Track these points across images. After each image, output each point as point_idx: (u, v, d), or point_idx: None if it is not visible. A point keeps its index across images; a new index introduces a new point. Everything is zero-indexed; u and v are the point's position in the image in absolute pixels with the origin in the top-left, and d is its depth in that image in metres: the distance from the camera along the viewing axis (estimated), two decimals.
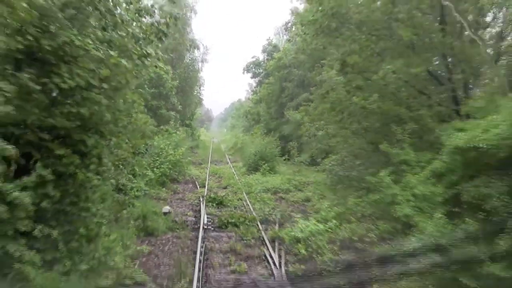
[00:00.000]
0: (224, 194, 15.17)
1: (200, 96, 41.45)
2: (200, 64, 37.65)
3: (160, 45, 9.51)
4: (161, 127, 19.63)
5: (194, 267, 7.57)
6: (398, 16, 11.47)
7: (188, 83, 32.96)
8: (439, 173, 8.31)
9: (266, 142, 24.53)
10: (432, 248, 7.31)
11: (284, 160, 25.38)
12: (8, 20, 5.22)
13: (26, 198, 5.33)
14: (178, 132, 24.38)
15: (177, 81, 22.75)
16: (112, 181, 8.43)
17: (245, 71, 44.19)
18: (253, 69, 43.29)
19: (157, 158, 17.10)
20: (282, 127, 31.18)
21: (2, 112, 4.33)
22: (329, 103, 13.26)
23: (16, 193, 5.24)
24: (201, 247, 8.89)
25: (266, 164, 21.73)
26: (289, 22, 37.75)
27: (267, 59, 40.16)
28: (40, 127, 6.12)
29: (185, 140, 25.21)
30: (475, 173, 7.61)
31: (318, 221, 10.24)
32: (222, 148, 41.55)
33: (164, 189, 15.69)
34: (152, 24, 8.54)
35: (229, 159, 30.61)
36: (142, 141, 11.01)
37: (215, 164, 26.89)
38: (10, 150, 4.62)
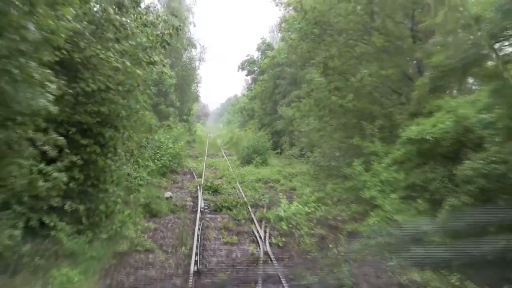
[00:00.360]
0: (219, 183, 16.73)
1: (197, 93, 42.92)
2: (197, 62, 39.17)
3: (163, 51, 11.07)
4: (163, 122, 21.10)
5: (193, 239, 9.12)
6: (372, 24, 13.03)
7: (185, 81, 34.41)
8: (399, 161, 9.91)
9: (258, 136, 26.07)
10: (388, 223, 8.96)
11: (276, 153, 26.98)
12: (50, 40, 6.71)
13: (63, 178, 6.81)
14: (178, 127, 25.90)
15: (175, 79, 24.18)
16: (125, 167, 9.94)
17: (240, 69, 45.62)
18: (248, 67, 44.65)
19: (158, 151, 18.57)
20: (275, 122, 32.69)
21: (53, 111, 5.78)
22: (313, 100, 14.84)
23: (55, 174, 6.70)
24: (199, 225, 10.45)
25: (258, 157, 23.32)
26: (282, 22, 39.05)
27: (261, 57, 41.54)
28: (68, 123, 7.63)
29: (183, 135, 26.69)
30: (426, 161, 9.24)
31: (300, 204, 11.85)
32: (218, 142, 43.03)
33: (164, 179, 17.22)
34: (157, 34, 10.02)
35: (224, 153, 32.15)
36: (148, 134, 12.53)
37: (211, 158, 28.42)
38: (61, 140, 6.10)
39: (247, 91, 48.70)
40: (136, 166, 14.92)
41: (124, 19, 8.67)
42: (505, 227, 6.83)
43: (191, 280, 6.81)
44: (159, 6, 27.18)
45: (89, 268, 7.12)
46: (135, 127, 9.96)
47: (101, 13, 8.16)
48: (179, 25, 10.80)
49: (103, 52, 7.53)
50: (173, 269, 7.65)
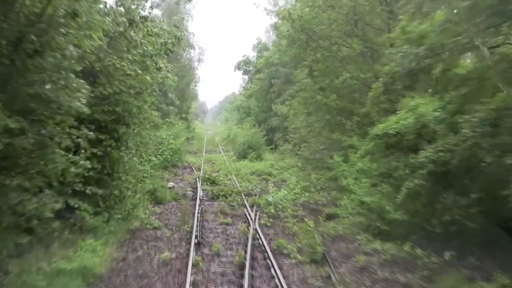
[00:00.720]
0: (216, 175, 18.31)
1: (196, 92, 44.45)
2: (196, 63, 40.74)
3: (166, 57, 12.56)
4: (166, 119, 22.59)
5: (194, 220, 10.66)
6: (354, 31, 14.58)
7: (184, 80, 35.90)
8: (370, 153, 11.47)
9: (253, 133, 27.64)
10: (359, 205, 10.55)
11: (271, 149, 28.55)
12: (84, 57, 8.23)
13: (87, 165, 8.32)
14: (179, 124, 27.45)
15: (176, 82, 25.70)
16: (135, 159, 11.50)
17: (236, 69, 47.07)
18: (244, 67, 46.08)
19: (160, 147, 20.11)
20: (270, 119, 34.22)
21: (86, 111, 7.30)
22: (301, 99, 16.42)
23: (82, 162, 8.21)
24: (198, 209, 12.01)
25: (253, 152, 24.92)
26: (274, 28, 40.53)
27: (257, 57, 42.96)
28: (89, 120, 9.15)
29: (183, 132, 28.22)
30: (392, 152, 10.78)
31: (286, 191, 13.45)
32: (216, 139, 44.62)
33: (166, 172, 18.77)
34: (161, 43, 11.51)
35: (222, 149, 33.72)
36: (154, 131, 14.09)
37: (209, 153, 30.00)
38: (92, 135, 7.64)
39: (244, 90, 50.19)
40: (141, 159, 16.53)
41: (133, 32, 10.18)
42: (449, 205, 8.40)
43: (192, 249, 8.36)
44: (159, 13, 28.61)
45: (108, 240, 8.67)
46: (143, 124, 11.52)
47: (115, 27, 9.67)
48: (180, 35, 12.34)
49: (118, 61, 9.08)
50: (177, 241, 9.21)
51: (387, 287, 7.07)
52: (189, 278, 6.88)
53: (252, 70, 43.94)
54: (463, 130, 7.93)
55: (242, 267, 7.64)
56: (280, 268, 7.66)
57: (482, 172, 7.82)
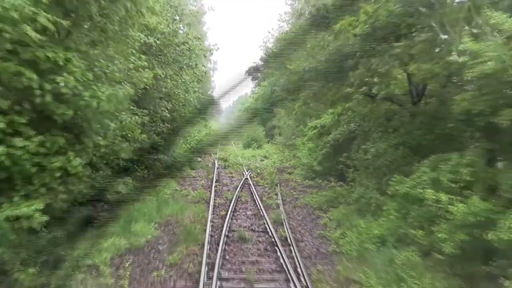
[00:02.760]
0: (227, 157, 27.43)
1: (212, 97, 53.79)
2: (211, 72, 50.12)
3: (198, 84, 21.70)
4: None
5: (213, 174, 19.74)
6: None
7: (204, 89, 45.23)
8: (311, 137, 20.41)
9: (253, 129, 36.76)
10: (302, 164, 19.57)
11: (268, 142, 37.67)
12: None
13: (161, 142, 17.49)
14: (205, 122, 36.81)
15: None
16: (182, 140, 20.71)
17: (247, 74, 56.17)
18: (253, 73, 55.08)
19: (188, 138, 29.29)
20: (272, 119, 43.24)
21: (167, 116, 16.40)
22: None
23: (158, 140, 17.39)
24: (216, 171, 21.10)
25: (255, 143, 34.02)
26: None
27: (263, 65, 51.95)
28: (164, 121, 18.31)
29: (204, 128, 37.47)
30: (318, 136, 19.72)
31: (269, 162, 22.52)
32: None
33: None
34: (195, 74, 20.56)
35: (233, 142, 42.91)
36: (194, 128, 23.38)
37: (223, 145, 39.22)
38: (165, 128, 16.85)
39: (252, 93, 59.24)
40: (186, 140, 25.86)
41: (186, 75, 19.23)
42: (339, 161, 17.31)
43: (213, 182, 17.47)
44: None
45: (173, 178, 17.76)
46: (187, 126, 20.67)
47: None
48: (206, 69, 21.47)
49: (174, 90, 18.17)
50: (205, 181, 18.32)
51: (300, 192, 16.04)
52: (213, 189, 15.99)
53: (260, 77, 53.00)
54: (339, 129, 16.84)
55: (237, 188, 16.69)
56: (255, 188, 16.71)
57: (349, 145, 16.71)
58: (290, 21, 24.81)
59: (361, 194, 12.40)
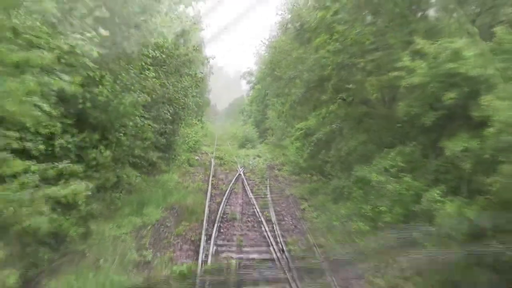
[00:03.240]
0: (223, 155, 29.66)
1: (209, 99, 56.05)
2: (207, 76, 52.39)
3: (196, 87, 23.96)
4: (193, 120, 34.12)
5: (210, 171, 21.96)
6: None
7: (200, 92, 47.47)
8: (297, 137, 22.71)
9: (247, 131, 39.08)
10: (290, 161, 21.88)
11: (261, 142, 39.97)
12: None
13: (163, 141, 19.76)
14: (197, 124, 38.97)
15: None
16: (181, 140, 22.95)
17: (242, 78, 58.65)
18: (247, 78, 57.54)
19: (186, 139, 31.50)
20: (265, 121, 45.56)
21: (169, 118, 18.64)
22: (275, 112, 27.73)
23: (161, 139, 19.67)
24: (213, 168, 23.31)
25: (249, 144, 36.28)
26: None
27: (257, 69, 54.37)
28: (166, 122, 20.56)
29: (200, 129, 39.70)
30: (304, 136, 22.00)
31: (260, 160, 24.81)
32: (224, 136, 56.15)
33: (192, 154, 30.18)
34: (194, 79, 22.80)
35: (228, 143, 45.12)
36: (192, 129, 25.61)
37: (219, 146, 41.44)
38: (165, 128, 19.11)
39: (247, 96, 61.59)
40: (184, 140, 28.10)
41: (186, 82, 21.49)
42: (321, 158, 19.62)
43: (210, 176, 19.71)
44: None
45: (174, 174, 19.96)
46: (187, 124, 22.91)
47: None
48: (203, 75, 23.72)
49: (175, 95, 20.39)
50: (203, 176, 20.54)
51: (286, 185, 18.30)
52: (210, 182, 18.22)
53: (254, 80, 55.38)
54: (322, 129, 19.13)
55: (231, 181, 18.91)
56: (247, 182, 18.96)
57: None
58: (278, 32, 27.05)
59: (336, 185, 14.68)
